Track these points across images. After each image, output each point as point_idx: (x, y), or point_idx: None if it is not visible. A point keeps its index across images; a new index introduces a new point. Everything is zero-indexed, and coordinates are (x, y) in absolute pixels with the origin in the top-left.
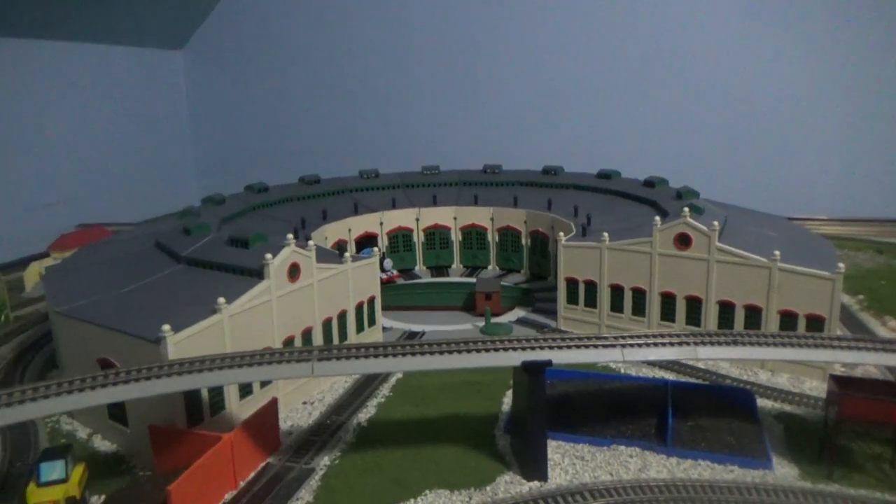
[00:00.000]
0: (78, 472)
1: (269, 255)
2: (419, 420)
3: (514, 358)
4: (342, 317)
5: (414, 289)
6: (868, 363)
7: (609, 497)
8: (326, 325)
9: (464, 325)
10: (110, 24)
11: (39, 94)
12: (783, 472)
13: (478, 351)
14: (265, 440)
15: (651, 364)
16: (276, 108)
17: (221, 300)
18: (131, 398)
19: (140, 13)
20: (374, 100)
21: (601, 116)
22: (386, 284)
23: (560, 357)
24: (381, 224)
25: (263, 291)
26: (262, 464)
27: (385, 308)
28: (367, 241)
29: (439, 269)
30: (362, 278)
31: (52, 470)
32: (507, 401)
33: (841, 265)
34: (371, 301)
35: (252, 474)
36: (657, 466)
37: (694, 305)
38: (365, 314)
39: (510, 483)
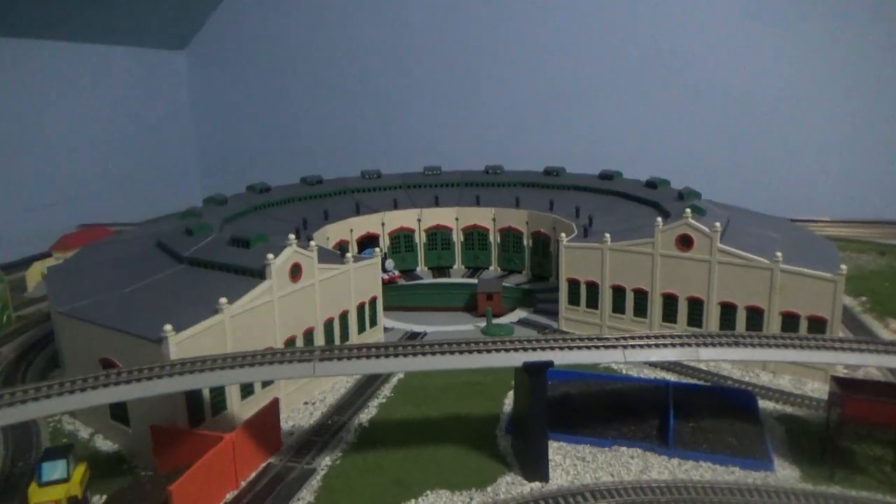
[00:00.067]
0: (79, 471)
1: (270, 256)
2: (420, 420)
3: (516, 359)
4: (344, 317)
5: (415, 289)
6: (870, 365)
7: (610, 498)
8: (328, 325)
9: (465, 326)
10: (111, 25)
11: (41, 95)
12: (785, 473)
13: (479, 351)
14: (266, 440)
15: (653, 365)
16: (278, 109)
17: (223, 300)
18: (133, 398)
19: (141, 14)
20: (376, 100)
21: (602, 117)
22: (387, 285)
23: (561, 358)
24: (383, 224)
25: (265, 292)
26: (264, 464)
27: (387, 308)
28: (368, 242)
29: (441, 270)
30: (364, 279)
31: (54, 470)
32: (509, 401)
33: (843, 267)
34: (373, 301)
35: (253, 474)
36: (658, 468)
37: (696, 307)
38: (366, 314)
39: (511, 484)
